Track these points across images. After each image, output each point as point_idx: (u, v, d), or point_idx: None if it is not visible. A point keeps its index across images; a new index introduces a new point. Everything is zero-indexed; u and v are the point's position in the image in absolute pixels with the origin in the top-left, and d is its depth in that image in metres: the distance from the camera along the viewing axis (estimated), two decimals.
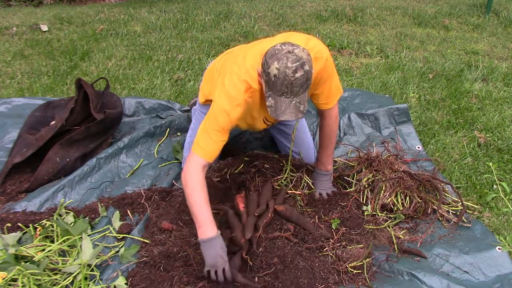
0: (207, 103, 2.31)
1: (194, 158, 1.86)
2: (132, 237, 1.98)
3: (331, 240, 2.00)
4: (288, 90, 1.67)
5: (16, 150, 2.40)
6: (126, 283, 1.76)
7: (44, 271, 1.74)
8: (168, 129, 2.75)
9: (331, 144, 2.24)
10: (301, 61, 1.65)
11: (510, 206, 2.20)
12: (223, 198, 2.17)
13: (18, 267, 1.68)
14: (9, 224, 1.96)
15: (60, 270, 1.77)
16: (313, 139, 2.67)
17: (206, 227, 1.75)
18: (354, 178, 2.33)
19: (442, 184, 2.28)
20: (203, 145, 1.87)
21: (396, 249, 1.99)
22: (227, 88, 1.86)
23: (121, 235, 2.01)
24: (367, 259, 1.92)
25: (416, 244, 2.03)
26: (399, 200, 2.20)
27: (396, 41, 4.54)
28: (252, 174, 2.25)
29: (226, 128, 1.87)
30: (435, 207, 2.19)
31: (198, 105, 2.40)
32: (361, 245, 1.98)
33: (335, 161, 2.45)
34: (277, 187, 2.22)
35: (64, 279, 1.73)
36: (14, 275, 1.66)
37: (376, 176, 2.29)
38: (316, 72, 1.88)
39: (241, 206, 2.01)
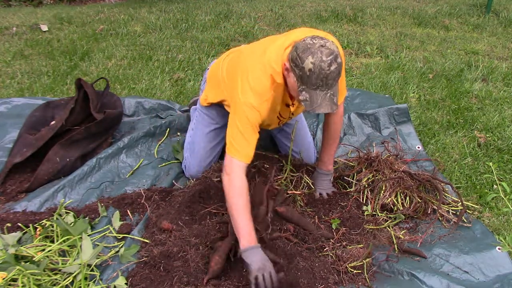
0: (210, 105, 2.31)
1: (233, 162, 1.84)
2: (132, 237, 1.98)
3: (331, 240, 2.00)
4: (323, 83, 1.67)
5: (16, 150, 2.39)
6: (126, 283, 1.76)
7: (44, 271, 1.73)
8: (168, 129, 2.74)
9: (335, 143, 2.25)
10: (334, 54, 1.66)
11: (510, 206, 2.19)
12: (223, 198, 2.16)
13: (18, 267, 1.68)
14: (9, 224, 1.96)
15: (60, 270, 1.77)
16: (313, 139, 2.67)
17: (250, 236, 1.76)
18: (354, 178, 2.33)
19: (442, 184, 2.28)
20: (240, 148, 1.84)
21: (396, 249, 1.99)
22: (252, 85, 1.84)
23: (121, 235, 2.01)
24: (367, 259, 1.92)
25: (416, 244, 2.03)
26: (399, 200, 2.20)
27: (396, 41, 4.54)
28: (252, 174, 2.24)
29: (257, 124, 1.87)
30: (435, 207, 2.19)
31: (200, 106, 2.40)
32: (361, 245, 1.98)
33: (335, 161, 2.45)
34: (277, 187, 2.21)
35: (64, 279, 1.73)
36: (14, 275, 1.66)
37: (376, 176, 2.29)
38: None
39: None
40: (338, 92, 1.74)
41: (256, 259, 1.72)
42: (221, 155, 2.46)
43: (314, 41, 1.69)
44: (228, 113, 2.32)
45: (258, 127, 1.88)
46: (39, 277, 1.70)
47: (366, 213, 2.18)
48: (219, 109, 2.32)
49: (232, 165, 1.84)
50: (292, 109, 2.07)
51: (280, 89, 1.89)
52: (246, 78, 1.86)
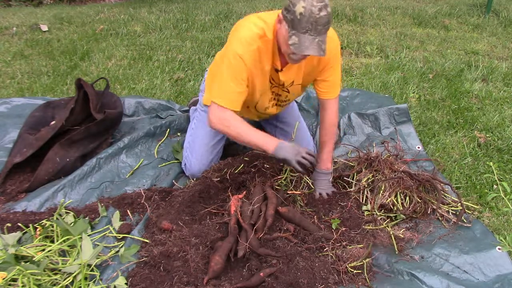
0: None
1: (215, 107, 1.95)
2: (132, 237, 1.98)
3: (331, 240, 2.00)
4: (312, 27, 1.74)
5: (16, 150, 2.40)
6: (126, 283, 1.76)
7: (44, 271, 1.73)
8: (168, 129, 2.75)
9: (331, 140, 2.26)
10: (324, 2, 1.74)
11: (510, 206, 2.20)
12: (223, 198, 2.16)
13: (18, 267, 1.68)
14: (9, 224, 1.96)
15: (60, 270, 1.77)
16: (313, 139, 2.67)
17: (268, 142, 1.94)
18: (354, 178, 2.33)
19: (441, 184, 2.28)
20: (221, 94, 1.94)
21: (396, 249, 1.99)
22: (241, 34, 1.90)
23: (121, 235, 2.01)
24: (367, 259, 1.92)
25: (417, 243, 2.03)
26: (399, 200, 2.20)
27: (396, 41, 4.54)
28: (252, 174, 2.24)
29: (242, 76, 1.92)
30: (435, 207, 2.19)
31: (201, 106, 2.41)
32: (361, 245, 1.98)
33: (335, 161, 2.45)
34: (277, 187, 2.21)
35: (64, 279, 1.73)
36: (14, 275, 1.66)
37: (376, 176, 2.29)
38: (328, 51, 1.91)
39: (232, 209, 2.00)
40: (326, 42, 1.80)
41: (287, 150, 1.92)
42: (222, 155, 2.46)
43: None
44: None
45: (242, 81, 1.94)
46: (39, 277, 1.70)
47: (366, 213, 2.18)
48: None
49: (214, 109, 1.97)
50: (281, 77, 2.06)
51: (269, 45, 1.94)
52: (235, 32, 1.93)
